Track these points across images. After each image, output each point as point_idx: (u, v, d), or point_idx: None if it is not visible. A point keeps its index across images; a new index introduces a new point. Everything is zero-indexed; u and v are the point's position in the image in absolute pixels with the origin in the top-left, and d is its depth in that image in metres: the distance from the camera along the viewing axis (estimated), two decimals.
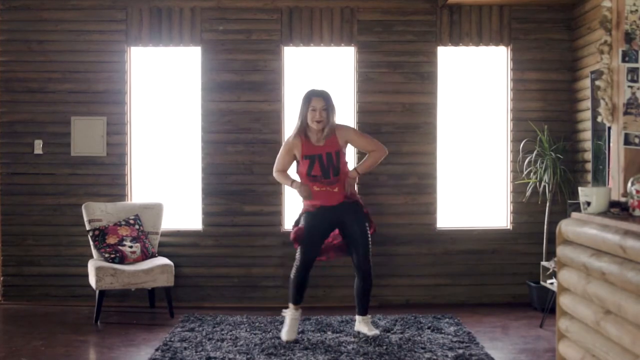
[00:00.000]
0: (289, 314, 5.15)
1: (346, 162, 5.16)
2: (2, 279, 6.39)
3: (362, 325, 5.22)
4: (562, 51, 6.40)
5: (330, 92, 5.15)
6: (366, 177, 6.34)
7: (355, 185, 5.99)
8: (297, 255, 5.10)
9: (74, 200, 6.31)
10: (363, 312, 5.20)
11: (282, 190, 6.35)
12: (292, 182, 5.16)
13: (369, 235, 5.13)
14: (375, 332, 5.15)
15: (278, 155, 5.25)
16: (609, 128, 5.16)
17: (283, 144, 5.31)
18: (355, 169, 5.20)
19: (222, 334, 5.24)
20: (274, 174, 5.30)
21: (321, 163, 5.04)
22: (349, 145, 5.24)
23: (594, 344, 3.27)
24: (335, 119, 5.11)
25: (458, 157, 6.53)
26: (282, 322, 5.56)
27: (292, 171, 5.26)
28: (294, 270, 5.11)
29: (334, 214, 5.08)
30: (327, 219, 5.09)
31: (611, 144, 3.94)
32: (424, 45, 6.39)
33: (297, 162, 5.16)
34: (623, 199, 3.57)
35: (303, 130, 5.09)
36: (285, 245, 6.21)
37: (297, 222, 5.20)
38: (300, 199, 5.20)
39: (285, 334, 5.10)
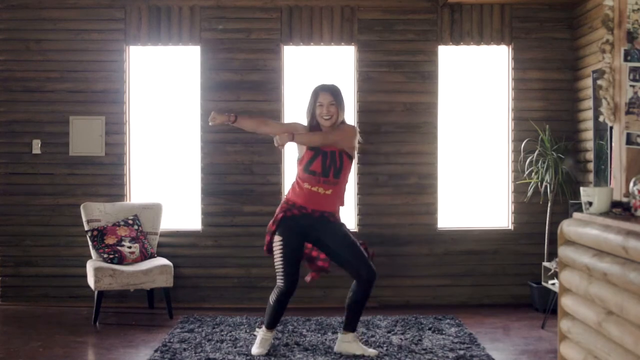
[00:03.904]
0: (261, 334, 4.78)
1: (349, 170, 4.73)
2: (0, 279, 6.36)
3: (353, 344, 4.72)
4: (563, 50, 6.37)
5: (340, 87, 4.83)
6: (366, 177, 6.32)
7: (355, 186, 5.98)
8: (280, 280, 4.65)
9: (73, 200, 6.29)
10: (354, 328, 4.75)
11: (282, 190, 6.32)
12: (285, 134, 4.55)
13: (357, 242, 4.67)
14: (372, 352, 4.71)
15: (284, 122, 4.96)
16: (611, 128, 5.12)
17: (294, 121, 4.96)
18: (293, 134, 4.57)
19: (222, 335, 5.21)
20: (273, 124, 4.87)
21: (324, 160, 4.60)
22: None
23: (595, 345, 3.25)
24: (343, 113, 4.75)
25: (459, 157, 6.50)
26: (281, 322, 5.55)
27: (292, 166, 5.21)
28: (275, 295, 4.67)
29: (312, 228, 4.63)
30: (303, 231, 4.62)
31: (613, 144, 3.91)
32: (424, 44, 6.36)
33: (300, 151, 4.74)
34: (625, 199, 3.54)
35: (316, 126, 4.72)
36: None
37: (272, 232, 4.66)
38: None
39: (255, 349, 4.75)
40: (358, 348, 4.71)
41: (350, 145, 4.72)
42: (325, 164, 4.62)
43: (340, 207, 4.78)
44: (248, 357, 4.66)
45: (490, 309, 6.17)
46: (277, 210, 4.73)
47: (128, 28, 6.35)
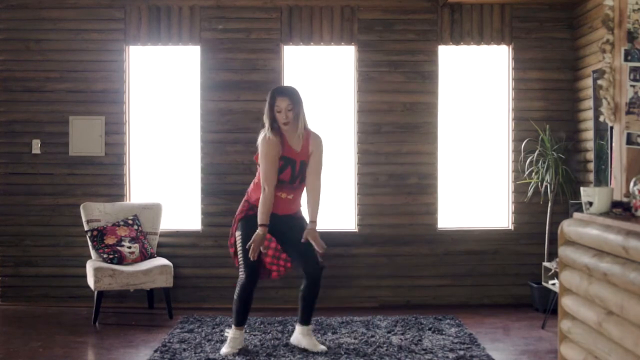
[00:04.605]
0: (231, 334, 4.79)
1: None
2: (0, 279, 6.36)
3: (304, 337, 4.81)
4: (564, 50, 6.36)
5: (297, 88, 4.78)
6: (366, 177, 6.31)
7: (356, 186, 5.97)
8: (241, 272, 4.69)
9: (72, 200, 6.28)
10: (307, 321, 4.81)
11: None
12: (260, 226, 4.59)
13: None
14: (322, 348, 4.77)
15: (265, 163, 4.61)
16: (611, 128, 5.12)
17: (261, 146, 4.66)
18: (312, 221, 4.74)
19: (222, 335, 5.20)
20: (267, 192, 4.61)
21: (293, 170, 4.67)
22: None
23: (596, 345, 3.24)
24: (304, 117, 4.71)
25: (459, 157, 6.50)
26: (281, 322, 5.55)
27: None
28: (238, 290, 4.70)
29: (277, 226, 4.67)
30: (269, 230, 4.65)
31: (613, 144, 3.90)
32: (424, 44, 6.35)
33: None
34: (625, 199, 3.54)
35: (277, 129, 4.66)
36: None
37: (242, 236, 4.70)
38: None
39: (223, 349, 4.76)
40: (309, 342, 4.80)
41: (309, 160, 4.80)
42: (294, 173, 4.71)
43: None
44: (248, 358, 4.65)
45: (490, 309, 6.17)
46: (238, 210, 4.85)
47: (128, 28, 6.34)
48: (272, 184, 4.62)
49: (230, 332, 4.81)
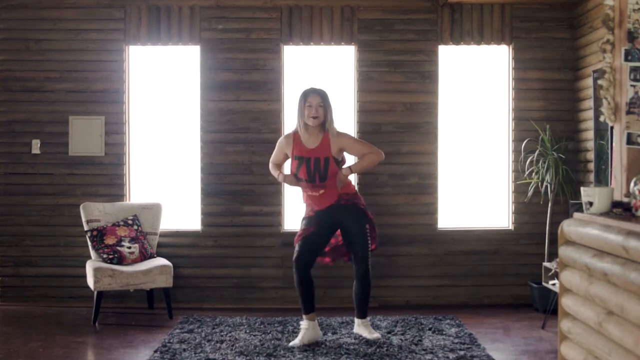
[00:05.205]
0: (302, 325, 5.05)
1: (337, 169, 5.03)
2: (0, 279, 6.36)
3: (361, 328, 5.17)
4: (564, 50, 6.36)
5: (329, 92, 5.12)
6: (366, 177, 6.31)
7: (356, 186, 5.98)
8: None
9: (72, 200, 6.28)
10: (362, 315, 5.17)
11: (281, 190, 6.31)
12: (279, 174, 5.17)
13: (368, 235, 5.04)
14: (376, 335, 5.08)
15: (274, 151, 5.28)
16: (612, 127, 5.12)
17: (278, 141, 5.29)
18: (349, 167, 5.08)
19: (222, 336, 5.20)
20: (269, 165, 5.31)
21: (308, 167, 5.00)
22: (346, 153, 5.17)
23: (596, 345, 3.24)
24: (332, 119, 5.07)
25: (459, 157, 6.49)
26: (281, 323, 5.55)
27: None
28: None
29: (331, 216, 5.05)
30: (324, 222, 5.05)
31: (614, 144, 3.90)
32: (424, 44, 6.35)
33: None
34: (626, 199, 3.54)
35: (299, 128, 5.08)
36: (284, 245, 6.18)
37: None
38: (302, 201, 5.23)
39: (296, 341, 4.99)
40: (364, 331, 5.13)
41: (349, 152, 5.18)
42: (310, 171, 5.01)
43: (352, 187, 5.19)
44: (248, 358, 4.65)
45: (490, 309, 6.16)
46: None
47: (128, 28, 6.34)
48: (272, 161, 5.27)
49: (302, 323, 5.07)
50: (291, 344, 4.94)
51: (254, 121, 6.32)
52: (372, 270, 5.15)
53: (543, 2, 6.27)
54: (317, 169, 4.99)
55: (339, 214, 5.05)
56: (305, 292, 4.99)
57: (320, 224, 5.05)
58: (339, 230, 5.16)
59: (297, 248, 5.04)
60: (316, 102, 5.00)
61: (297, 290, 5.02)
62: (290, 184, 5.13)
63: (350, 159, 5.41)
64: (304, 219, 5.15)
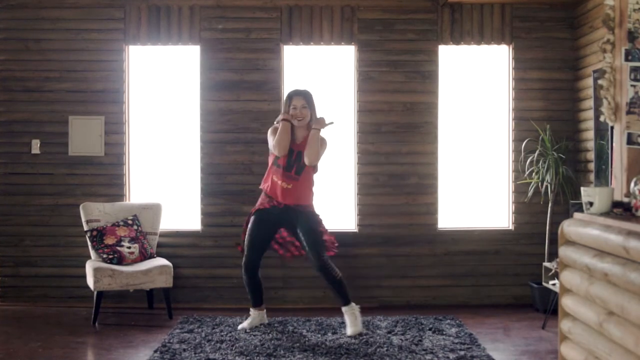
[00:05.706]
0: (251, 314, 5.51)
1: (311, 174, 5.35)
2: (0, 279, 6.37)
3: (346, 315, 5.30)
4: (564, 50, 6.36)
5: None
6: (366, 177, 6.31)
7: (356, 186, 5.98)
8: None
9: (72, 200, 6.28)
10: (344, 303, 5.30)
11: None
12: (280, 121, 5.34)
13: (320, 233, 5.31)
14: (355, 330, 5.22)
15: (271, 139, 5.40)
16: (612, 127, 5.12)
17: (270, 131, 5.45)
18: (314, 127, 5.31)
19: (222, 336, 5.20)
20: (271, 139, 5.38)
21: (290, 157, 5.28)
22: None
23: (596, 345, 3.24)
24: (315, 115, 5.35)
25: (459, 157, 6.49)
26: (281, 323, 5.54)
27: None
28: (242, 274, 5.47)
29: (281, 217, 5.34)
30: (272, 222, 5.38)
31: (614, 144, 3.90)
32: (424, 44, 6.35)
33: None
34: (626, 199, 3.53)
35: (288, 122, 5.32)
36: None
37: (246, 222, 5.48)
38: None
39: (243, 325, 5.44)
40: (348, 320, 5.27)
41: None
42: (291, 160, 5.30)
43: (311, 199, 5.43)
44: (248, 358, 4.65)
45: (490, 309, 6.16)
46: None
47: (127, 28, 6.33)
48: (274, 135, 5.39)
49: (251, 312, 5.52)
50: (240, 327, 5.40)
51: (254, 121, 6.31)
52: (331, 260, 5.33)
53: (543, 1, 6.27)
54: (297, 160, 5.29)
55: (291, 216, 5.32)
56: (254, 291, 5.46)
57: (268, 224, 5.38)
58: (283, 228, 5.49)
59: (245, 253, 5.40)
60: (300, 104, 5.31)
61: (247, 288, 5.47)
62: (285, 126, 5.25)
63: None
64: (255, 212, 5.38)
